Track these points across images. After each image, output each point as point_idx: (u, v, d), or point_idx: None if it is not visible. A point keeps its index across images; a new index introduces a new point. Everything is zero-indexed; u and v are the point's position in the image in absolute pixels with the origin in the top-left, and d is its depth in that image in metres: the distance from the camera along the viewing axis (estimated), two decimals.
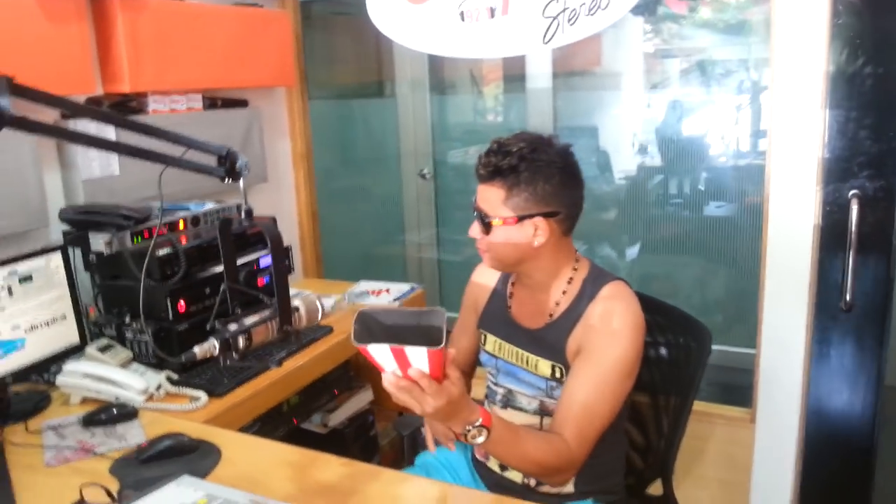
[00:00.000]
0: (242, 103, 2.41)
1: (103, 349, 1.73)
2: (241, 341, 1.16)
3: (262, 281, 1.98)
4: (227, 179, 1.17)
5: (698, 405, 2.24)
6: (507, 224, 1.37)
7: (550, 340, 1.44)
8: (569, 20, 2.16)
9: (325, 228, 3.05)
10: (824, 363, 2.10)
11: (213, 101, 2.26)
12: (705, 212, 3.37)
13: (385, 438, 2.42)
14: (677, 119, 3.31)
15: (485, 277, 1.63)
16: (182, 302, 1.76)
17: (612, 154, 3.47)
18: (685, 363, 1.62)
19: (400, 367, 1.06)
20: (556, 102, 3.55)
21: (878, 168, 1.95)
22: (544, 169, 1.34)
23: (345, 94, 3.99)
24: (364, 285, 2.42)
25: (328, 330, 2.03)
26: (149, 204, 1.96)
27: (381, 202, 3.97)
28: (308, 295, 1.30)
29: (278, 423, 1.94)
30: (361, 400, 2.27)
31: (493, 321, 1.57)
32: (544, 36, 2.19)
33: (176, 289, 1.75)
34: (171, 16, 2.01)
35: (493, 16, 2.25)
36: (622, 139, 3.47)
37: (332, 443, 2.15)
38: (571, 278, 1.45)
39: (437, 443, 1.60)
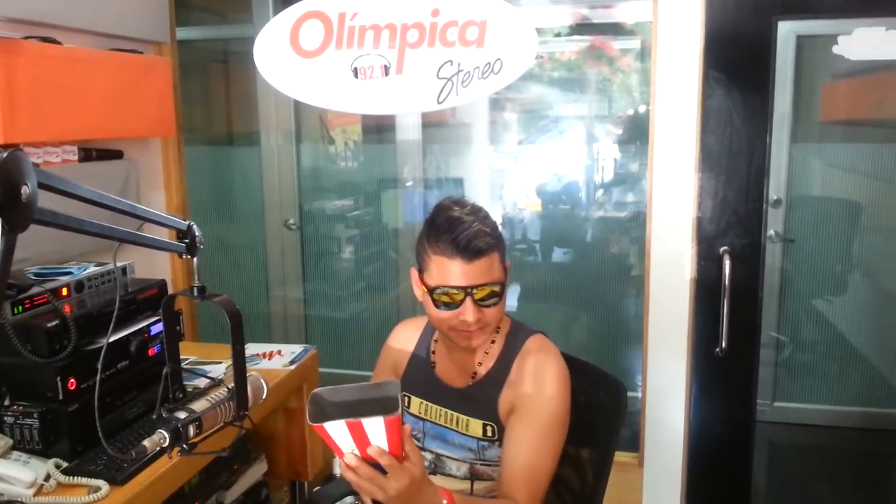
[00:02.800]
0: (118, 154, 2.23)
1: None
2: (191, 430, 1.06)
3: (152, 350, 1.83)
4: (185, 255, 1.08)
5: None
6: (505, 286, 1.38)
7: (479, 398, 1.44)
8: (462, 82, 2.22)
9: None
10: (703, 405, 2.27)
11: (88, 153, 2.07)
12: (554, 257, 3.59)
13: None
14: (524, 166, 3.50)
15: (402, 341, 1.61)
16: (73, 379, 1.58)
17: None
18: (603, 416, 1.69)
19: (357, 446, 1.04)
20: (425, 153, 3.62)
21: (746, 227, 2.17)
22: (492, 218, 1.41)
23: (212, 138, 3.82)
24: (254, 347, 2.29)
25: None
26: (21, 269, 1.76)
27: (246, 255, 3.81)
28: (252, 373, 1.22)
29: None
30: (256, 473, 2.14)
31: (416, 383, 1.54)
32: (438, 96, 2.24)
33: (66, 364, 1.57)
34: (49, 60, 1.83)
35: (387, 74, 2.26)
36: (481, 190, 3.59)
37: None
38: (496, 334, 1.46)
39: None
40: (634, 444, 2.37)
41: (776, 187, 3.45)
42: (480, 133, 3.60)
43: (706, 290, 2.21)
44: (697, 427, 2.28)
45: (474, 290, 1.32)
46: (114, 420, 1.70)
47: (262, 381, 1.21)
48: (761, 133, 2.12)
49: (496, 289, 1.35)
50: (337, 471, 2.52)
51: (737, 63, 2.09)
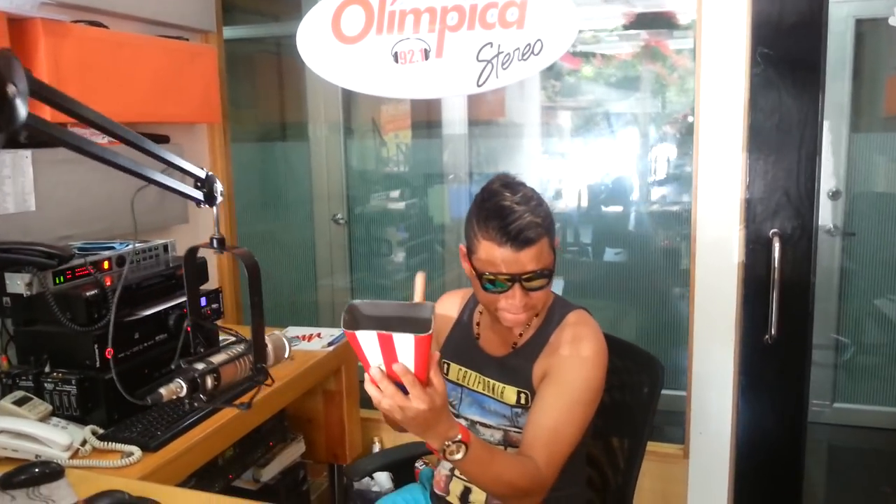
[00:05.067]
0: (164, 139, 2.28)
1: (19, 402, 1.55)
2: (209, 381, 1.06)
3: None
4: (202, 204, 1.09)
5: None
6: (554, 268, 1.37)
7: (516, 367, 1.44)
8: (502, 64, 2.20)
9: (242, 273, 2.92)
10: (752, 395, 2.18)
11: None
12: (605, 257, 3.52)
13: (315, 492, 2.30)
14: (575, 166, 3.46)
15: (447, 308, 1.62)
16: (110, 349, 1.61)
17: None
18: (638, 399, 1.64)
19: (385, 361, 1.06)
20: (471, 149, 3.61)
21: (797, 209, 2.08)
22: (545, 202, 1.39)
23: (261, 134, 3.89)
24: (294, 331, 2.31)
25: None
26: (69, 244, 1.81)
27: (295, 249, 3.86)
28: (274, 332, 1.22)
29: (214, 479, 1.79)
30: (293, 453, 2.15)
31: (457, 351, 1.55)
32: (478, 79, 2.22)
33: (103, 333, 1.60)
34: (95, 43, 1.89)
35: (427, 58, 2.26)
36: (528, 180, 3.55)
37: (264, 499, 2.00)
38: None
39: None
40: (680, 435, 2.29)
41: (835, 178, 3.32)
42: (531, 130, 3.57)
43: (755, 276, 2.13)
44: (746, 418, 2.19)
45: (523, 277, 1.32)
46: (151, 391, 1.72)
47: (284, 339, 1.21)
48: (813, 111, 2.03)
49: (545, 274, 1.35)
50: (376, 447, 2.52)
51: (786, 37, 2.01)
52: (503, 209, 1.31)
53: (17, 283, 1.57)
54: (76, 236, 1.90)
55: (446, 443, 1.16)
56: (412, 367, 1.06)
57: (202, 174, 1.09)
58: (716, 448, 2.21)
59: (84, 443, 1.52)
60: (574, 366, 1.38)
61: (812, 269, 2.10)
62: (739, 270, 2.13)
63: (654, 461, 2.33)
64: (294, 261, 3.87)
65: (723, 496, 2.22)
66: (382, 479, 2.29)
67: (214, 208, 1.08)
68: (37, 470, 1.39)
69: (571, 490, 1.50)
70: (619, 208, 3.48)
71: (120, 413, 1.64)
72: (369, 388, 1.10)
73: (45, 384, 1.61)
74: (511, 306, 1.35)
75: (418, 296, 1.16)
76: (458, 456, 1.17)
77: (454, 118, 3.57)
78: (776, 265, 2.06)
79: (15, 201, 1.77)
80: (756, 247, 2.12)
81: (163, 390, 1.02)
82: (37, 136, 0.79)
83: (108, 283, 1.68)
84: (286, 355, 1.21)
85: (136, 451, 1.51)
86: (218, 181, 1.09)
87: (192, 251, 1.09)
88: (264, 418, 1.87)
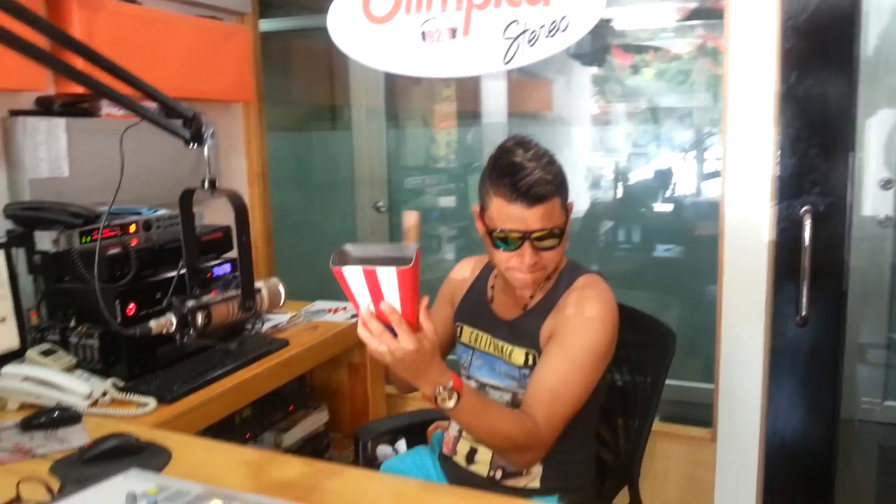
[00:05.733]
0: None
1: (45, 353, 1.63)
2: (199, 318, 1.10)
3: (215, 291, 1.91)
4: (192, 144, 1.13)
5: (659, 426, 2.24)
6: (567, 229, 1.39)
7: (524, 329, 1.45)
8: (528, 41, 2.20)
9: (280, 258, 2.99)
10: (783, 377, 2.11)
11: (169, 111, 2.20)
12: (655, 251, 3.45)
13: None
14: (626, 162, 3.41)
15: (463, 272, 1.65)
16: (132, 305, 1.68)
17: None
18: (649, 364, 1.62)
19: (373, 300, 1.09)
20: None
21: (829, 184, 2.01)
22: (558, 161, 1.40)
23: (303, 122, 3.96)
24: (320, 304, 2.36)
25: (284, 343, 1.96)
26: (96, 207, 1.88)
27: (336, 234, 3.92)
28: (271, 279, 1.25)
29: (230, 437, 1.83)
30: (316, 421, 2.18)
31: (470, 313, 1.57)
32: (504, 56, 2.23)
33: (125, 291, 1.67)
34: (128, 19, 1.97)
35: (454, 36, 2.27)
36: (573, 178, 3.51)
37: None
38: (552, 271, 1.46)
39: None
40: (708, 419, 2.24)
41: (888, 168, 3.19)
42: (579, 124, 3.55)
43: (786, 255, 2.06)
44: (777, 402, 2.12)
45: (533, 235, 1.33)
46: (173, 350, 1.78)
47: (280, 286, 1.24)
48: (847, 82, 1.96)
49: (556, 233, 1.35)
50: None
51: (819, 8, 1.95)
52: (514, 166, 1.32)
53: (45, 241, 1.65)
54: (107, 203, 1.98)
55: (438, 388, 1.18)
56: (398, 306, 1.09)
57: (188, 114, 1.13)
58: (745, 432, 2.15)
59: (104, 394, 1.58)
60: (578, 326, 1.37)
61: (846, 248, 2.03)
62: (770, 249, 2.07)
63: (682, 444, 2.29)
64: (335, 246, 3.92)
65: (751, 481, 2.16)
66: (402, 447, 2.30)
67: (206, 149, 1.12)
68: (56, 414, 1.46)
69: (579, 455, 1.48)
70: (668, 206, 3.42)
71: (141, 368, 1.70)
72: (361, 331, 1.13)
73: (71, 338, 1.68)
74: (520, 265, 1.35)
75: (409, 232, 1.19)
76: (451, 403, 1.18)
77: (495, 108, 3.57)
78: (807, 244, 2.00)
79: (49, 166, 1.85)
80: (787, 225, 2.05)
81: (152, 323, 1.06)
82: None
83: (133, 245, 1.75)
84: (281, 302, 1.24)
85: (152, 401, 1.56)
86: (206, 122, 1.12)
87: (187, 193, 1.13)
88: (283, 381, 1.91)
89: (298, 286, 3.64)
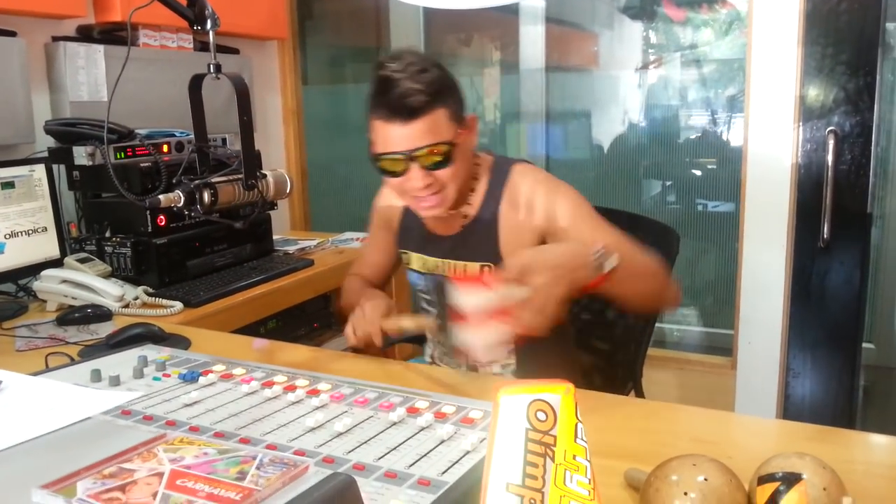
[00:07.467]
0: (234, 51, 2.44)
1: (82, 261, 1.75)
2: (206, 196, 1.18)
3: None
4: (196, 27, 1.19)
5: (678, 354, 2.25)
6: (461, 143, 1.23)
7: (473, 242, 1.36)
8: None
9: (313, 193, 3.08)
10: (804, 303, 2.10)
11: (204, 45, 2.30)
12: (705, 207, 3.40)
13: None
14: (674, 119, 3.36)
15: (389, 198, 1.53)
16: (162, 217, 1.78)
17: (605, 141, 3.48)
18: None
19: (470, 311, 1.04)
20: (548, 85, 3.58)
21: (855, 104, 1.97)
22: (441, 69, 1.24)
23: (337, 61, 3.99)
24: (349, 234, 2.43)
25: (310, 262, 2.05)
26: (133, 129, 1.99)
27: (369, 175, 3.96)
28: (278, 170, 1.32)
29: None
30: (340, 344, 2.27)
31: (412, 239, 1.48)
32: None
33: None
34: None
35: None
36: (614, 126, 3.48)
37: None
38: (476, 174, 1.36)
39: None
40: (728, 349, 2.24)
41: None
42: (627, 75, 3.51)
43: (809, 177, 2.04)
44: (798, 327, 2.11)
45: (416, 154, 1.20)
46: (203, 264, 1.89)
47: (286, 175, 1.30)
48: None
49: (443, 149, 1.21)
50: None
51: None
52: (383, 80, 1.18)
53: (82, 155, 1.76)
54: (143, 128, 2.08)
55: (593, 257, 1.08)
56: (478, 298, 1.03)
57: None
58: (765, 359, 2.15)
59: (136, 298, 1.70)
60: (562, 212, 1.28)
61: (871, 170, 1.99)
62: (793, 172, 2.05)
63: (701, 372, 2.30)
64: (366, 186, 3.98)
65: (771, 409, 2.16)
66: None
67: (210, 34, 1.18)
68: (89, 311, 1.58)
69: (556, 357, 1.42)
70: (713, 159, 3.37)
71: (171, 278, 1.81)
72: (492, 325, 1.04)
73: (106, 248, 1.80)
74: (413, 189, 1.23)
75: None
76: (615, 260, 1.10)
77: (531, 55, 3.56)
78: (830, 165, 1.97)
79: (88, 91, 1.97)
80: (811, 146, 2.03)
81: (161, 197, 1.14)
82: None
83: (165, 161, 1.84)
84: (287, 190, 1.30)
85: (178, 304, 1.67)
86: (209, 6, 1.18)
87: (196, 78, 1.20)
88: (306, 297, 2.00)
89: (331, 224, 3.73)
